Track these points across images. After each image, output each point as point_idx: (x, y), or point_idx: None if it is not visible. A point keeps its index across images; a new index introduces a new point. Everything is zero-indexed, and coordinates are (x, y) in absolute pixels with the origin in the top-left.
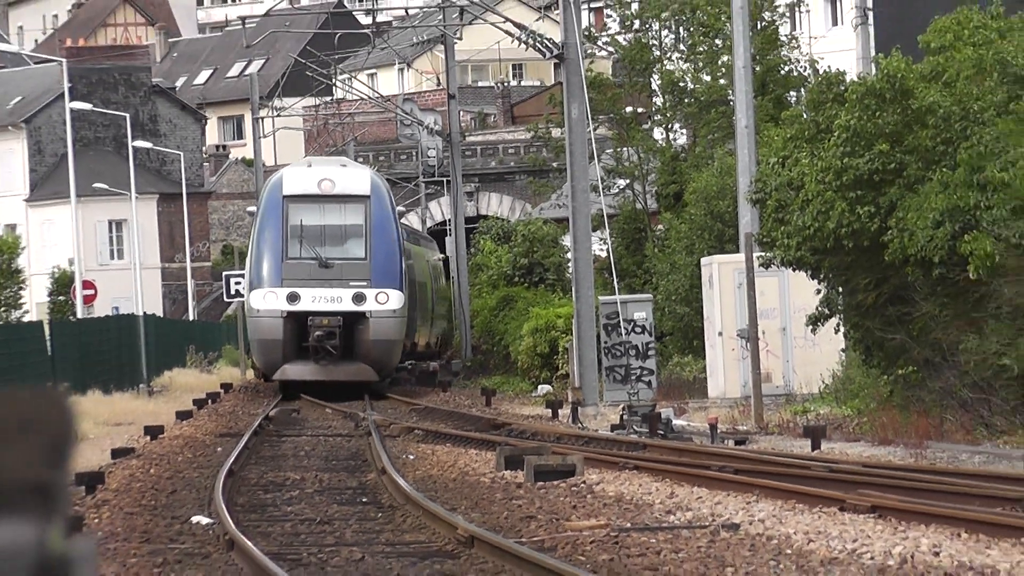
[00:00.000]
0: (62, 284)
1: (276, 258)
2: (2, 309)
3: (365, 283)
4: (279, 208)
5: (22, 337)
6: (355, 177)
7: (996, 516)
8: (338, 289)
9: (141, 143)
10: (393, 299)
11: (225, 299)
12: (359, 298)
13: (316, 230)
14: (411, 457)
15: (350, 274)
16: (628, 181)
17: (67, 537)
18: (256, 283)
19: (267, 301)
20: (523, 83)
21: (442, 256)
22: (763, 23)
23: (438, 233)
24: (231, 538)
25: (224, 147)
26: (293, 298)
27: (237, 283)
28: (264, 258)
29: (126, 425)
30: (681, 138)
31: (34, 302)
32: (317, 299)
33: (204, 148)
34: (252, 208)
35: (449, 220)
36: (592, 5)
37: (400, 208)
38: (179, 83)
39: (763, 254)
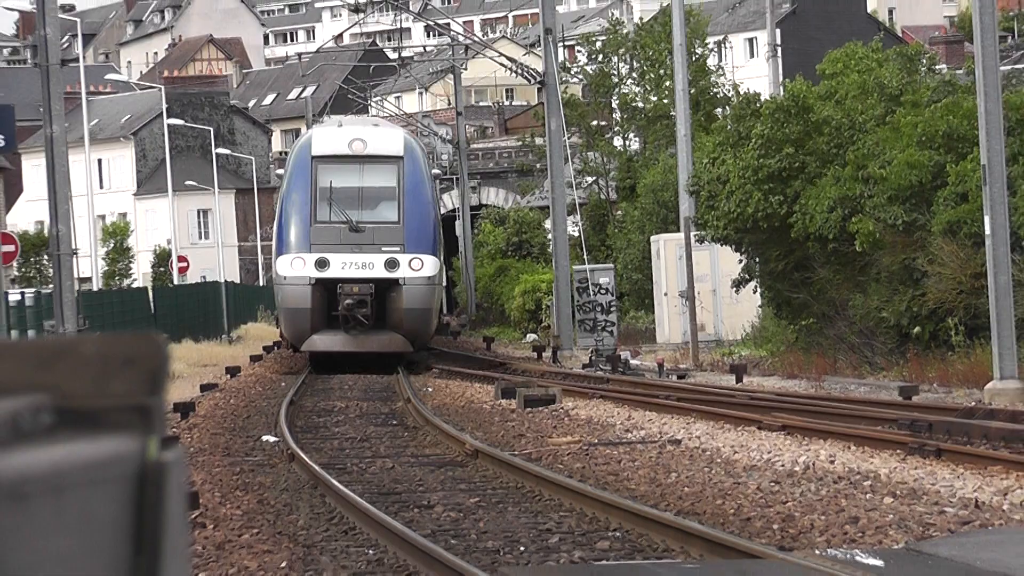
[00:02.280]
0: (162, 259)
1: (304, 222)
2: (117, 278)
3: (398, 248)
4: (308, 169)
5: (132, 299)
6: (388, 137)
7: (878, 432)
8: (370, 255)
9: (222, 150)
10: (428, 265)
11: None
12: (392, 264)
13: (346, 192)
14: (429, 390)
15: (382, 239)
16: (594, 178)
17: (162, 448)
18: (283, 248)
19: (294, 267)
20: (514, 103)
21: None
22: (696, 56)
23: (449, 219)
24: (292, 452)
25: (285, 153)
26: (322, 264)
27: None
28: (292, 222)
29: (211, 366)
30: (634, 144)
31: (140, 272)
32: (347, 265)
33: (270, 154)
34: (280, 171)
35: (458, 208)
36: (566, 43)
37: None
38: (251, 104)
39: (698, 233)
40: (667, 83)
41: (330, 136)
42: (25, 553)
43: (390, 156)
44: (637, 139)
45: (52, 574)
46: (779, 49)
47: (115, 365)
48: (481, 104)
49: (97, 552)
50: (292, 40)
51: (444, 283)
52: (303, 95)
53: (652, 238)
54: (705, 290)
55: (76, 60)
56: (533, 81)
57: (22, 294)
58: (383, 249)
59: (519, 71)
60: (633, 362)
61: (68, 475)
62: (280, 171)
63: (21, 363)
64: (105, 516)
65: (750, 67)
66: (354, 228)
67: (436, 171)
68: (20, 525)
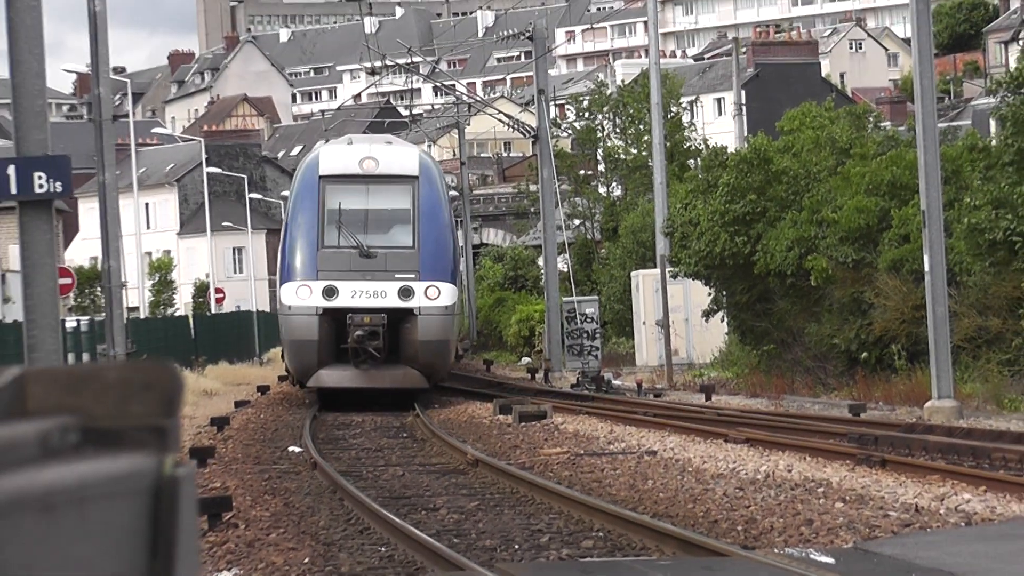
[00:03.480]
0: (201, 290)
1: (311, 247)
2: (161, 307)
3: (413, 275)
4: (315, 190)
5: (175, 326)
6: (402, 155)
7: (830, 445)
8: (382, 282)
9: (254, 195)
10: (445, 294)
11: None
12: (406, 293)
13: (357, 215)
14: (436, 406)
15: (396, 265)
16: (581, 220)
17: (175, 464)
18: (288, 276)
19: (300, 296)
20: (511, 154)
21: None
22: (671, 114)
23: None
24: (315, 461)
25: None
26: (330, 293)
27: None
28: (297, 247)
29: (244, 385)
30: (616, 191)
31: (182, 302)
32: (358, 294)
33: None
34: (286, 192)
35: (462, 247)
36: (556, 102)
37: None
38: (280, 155)
39: (672, 269)
40: (645, 137)
41: (339, 154)
42: (51, 558)
43: (404, 176)
44: (619, 186)
45: (75, 574)
46: (744, 108)
47: (135, 390)
48: (482, 155)
49: (116, 557)
50: (316, 99)
51: (462, 312)
52: None
53: (632, 273)
54: (678, 319)
55: (126, 116)
56: (528, 135)
57: (78, 321)
58: (396, 276)
59: (515, 126)
60: (615, 382)
61: (91, 488)
62: (286, 193)
63: (51, 388)
64: (124, 525)
65: (718, 124)
66: (365, 254)
67: (453, 193)
68: (47, 533)
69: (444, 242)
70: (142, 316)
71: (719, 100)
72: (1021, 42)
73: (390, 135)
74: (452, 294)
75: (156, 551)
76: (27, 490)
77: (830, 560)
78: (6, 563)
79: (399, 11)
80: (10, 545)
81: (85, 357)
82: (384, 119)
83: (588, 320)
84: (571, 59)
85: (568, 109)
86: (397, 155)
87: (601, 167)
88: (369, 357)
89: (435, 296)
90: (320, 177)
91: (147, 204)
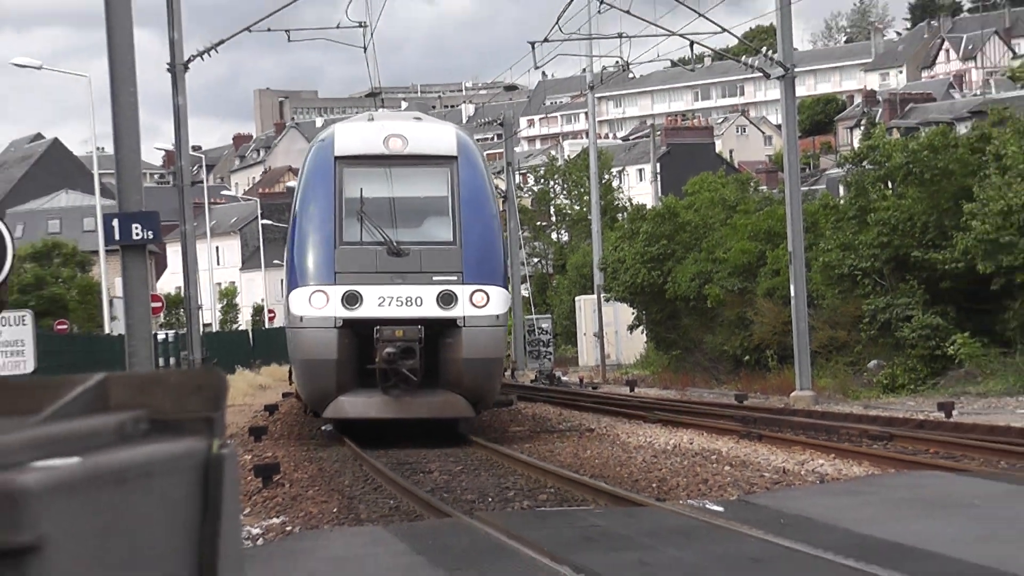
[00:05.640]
0: (258, 311)
1: (327, 244)
2: (229, 324)
3: (455, 278)
4: (330, 175)
5: (238, 338)
6: (435, 132)
7: (721, 424)
8: (417, 286)
9: None
10: (495, 300)
11: None
12: (447, 299)
13: (383, 204)
14: None
15: (433, 265)
16: (538, 259)
17: (221, 446)
18: (298, 280)
19: (314, 305)
20: None
21: None
22: (604, 180)
23: None
24: (342, 437)
25: None
26: (352, 300)
27: None
28: (309, 244)
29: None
30: (564, 237)
31: (244, 320)
32: (387, 301)
33: None
34: (292, 183)
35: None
36: (520, 171)
37: None
38: None
39: (605, 295)
40: (586, 197)
41: (359, 131)
42: (125, 519)
43: (439, 156)
44: (566, 234)
45: (144, 532)
46: (658, 176)
47: (190, 390)
48: None
49: (175, 518)
50: None
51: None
52: None
53: (576, 298)
54: (610, 331)
55: (201, 182)
56: (499, 196)
57: (166, 335)
58: (435, 279)
59: None
60: (563, 378)
61: (156, 465)
62: (292, 183)
63: (127, 388)
64: (181, 493)
65: (639, 188)
66: (394, 251)
67: (498, 183)
68: (121, 500)
69: (491, 236)
70: (214, 330)
71: (640, 170)
72: (862, 128)
73: (419, 112)
74: (503, 300)
75: (206, 513)
76: (105, 467)
77: (720, 509)
78: (90, 523)
79: (403, 104)
80: (93, 509)
81: (172, 361)
82: None
83: (544, 332)
84: (531, 139)
85: (528, 176)
86: (430, 132)
87: (553, 219)
88: (401, 380)
89: (483, 303)
90: (336, 159)
91: (217, 247)
